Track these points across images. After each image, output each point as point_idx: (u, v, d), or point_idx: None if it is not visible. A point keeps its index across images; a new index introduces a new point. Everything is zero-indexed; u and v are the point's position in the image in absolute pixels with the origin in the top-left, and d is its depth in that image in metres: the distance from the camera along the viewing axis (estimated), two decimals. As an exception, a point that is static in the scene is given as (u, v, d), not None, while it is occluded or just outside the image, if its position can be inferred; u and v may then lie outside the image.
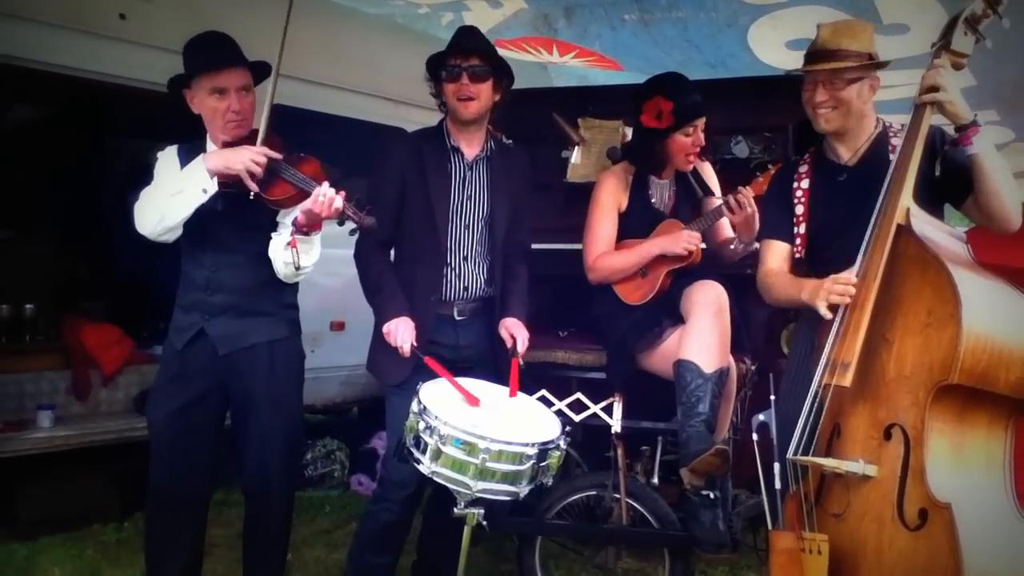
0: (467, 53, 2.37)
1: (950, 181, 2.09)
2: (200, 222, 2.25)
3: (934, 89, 1.96)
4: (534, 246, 2.78)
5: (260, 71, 2.34)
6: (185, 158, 2.32)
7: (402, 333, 2.33)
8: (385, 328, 2.37)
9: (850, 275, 1.96)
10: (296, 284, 2.45)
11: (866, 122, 2.21)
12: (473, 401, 2.07)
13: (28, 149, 4.78)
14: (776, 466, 2.06)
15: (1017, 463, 1.80)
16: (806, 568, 1.84)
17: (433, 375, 2.16)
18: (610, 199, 2.86)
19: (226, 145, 2.30)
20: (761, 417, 2.17)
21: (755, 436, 2.15)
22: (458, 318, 2.51)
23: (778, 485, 2.04)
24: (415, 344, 2.31)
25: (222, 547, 3.22)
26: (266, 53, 2.28)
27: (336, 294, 3.96)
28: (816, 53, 2.14)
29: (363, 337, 2.59)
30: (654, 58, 3.67)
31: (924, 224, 1.92)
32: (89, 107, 4.73)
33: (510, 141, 2.62)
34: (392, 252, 2.58)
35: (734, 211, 2.59)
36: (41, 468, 3.46)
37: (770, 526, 2.03)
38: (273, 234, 2.33)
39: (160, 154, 2.40)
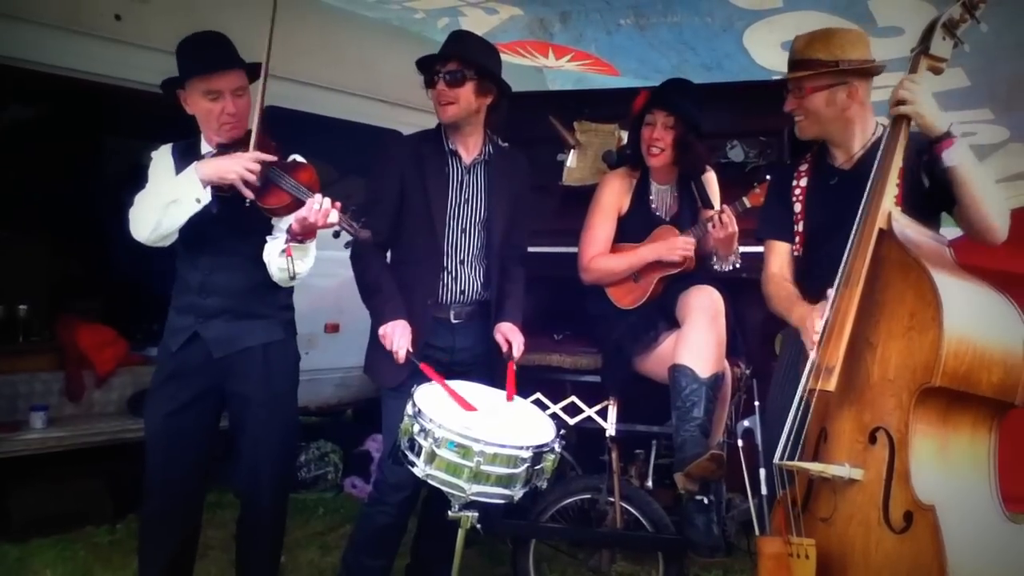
0: (445, 58, 2.38)
1: (937, 190, 2.08)
2: (195, 225, 2.24)
3: (901, 102, 1.95)
4: (529, 249, 2.77)
5: (255, 71, 2.33)
6: (179, 157, 2.32)
7: (398, 338, 2.32)
8: (381, 331, 2.37)
9: (822, 309, 1.95)
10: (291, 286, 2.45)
11: (855, 128, 2.17)
12: (469, 408, 2.07)
13: (23, 149, 4.77)
14: (762, 471, 2.06)
15: (1002, 464, 1.81)
16: (793, 573, 1.84)
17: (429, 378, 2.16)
18: (612, 201, 2.87)
19: (220, 146, 2.30)
20: (746, 423, 2.18)
21: (740, 442, 2.16)
22: (454, 321, 2.51)
23: (764, 490, 2.04)
24: (411, 349, 2.31)
25: (216, 549, 3.22)
26: (262, 54, 2.29)
27: (331, 296, 3.96)
28: (789, 63, 2.15)
29: (358, 339, 2.59)
30: (650, 60, 3.68)
31: (906, 228, 1.92)
32: (85, 107, 4.73)
33: (505, 144, 2.62)
34: (389, 254, 2.58)
35: (715, 227, 2.59)
36: (34, 469, 3.45)
37: (757, 531, 2.03)
38: (268, 237, 2.33)
39: (154, 154, 2.38)
